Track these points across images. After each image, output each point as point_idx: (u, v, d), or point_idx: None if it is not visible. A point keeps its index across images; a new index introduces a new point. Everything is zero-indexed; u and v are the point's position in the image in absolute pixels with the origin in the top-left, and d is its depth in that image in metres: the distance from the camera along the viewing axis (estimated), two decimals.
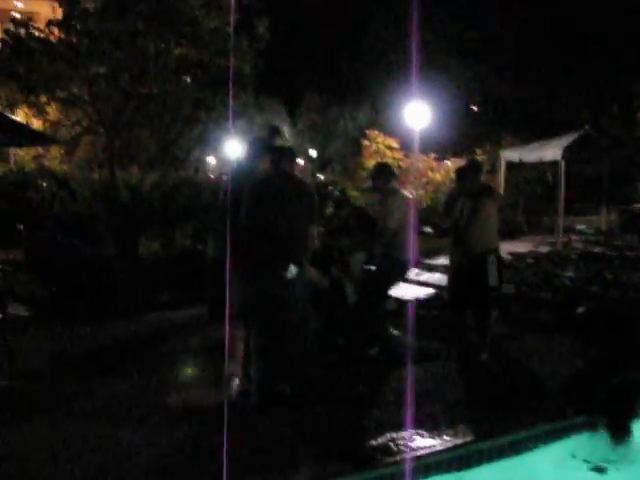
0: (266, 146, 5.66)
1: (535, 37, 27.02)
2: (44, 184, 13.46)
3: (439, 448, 4.38)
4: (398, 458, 4.20)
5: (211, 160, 32.59)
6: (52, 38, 12.31)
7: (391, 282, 6.60)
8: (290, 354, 5.20)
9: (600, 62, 25.49)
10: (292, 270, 4.97)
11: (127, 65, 11.82)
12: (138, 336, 7.52)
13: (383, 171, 6.79)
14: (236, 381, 5.23)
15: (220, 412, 4.63)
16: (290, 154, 5.65)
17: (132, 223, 10.06)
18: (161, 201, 11.14)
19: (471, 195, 6.30)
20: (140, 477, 4.05)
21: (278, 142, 5.96)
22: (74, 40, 12.11)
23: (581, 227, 15.53)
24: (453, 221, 6.43)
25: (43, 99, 12.71)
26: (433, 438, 4.51)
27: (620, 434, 4.76)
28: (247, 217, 5.02)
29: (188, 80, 12.58)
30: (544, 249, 12.37)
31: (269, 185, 5.21)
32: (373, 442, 4.47)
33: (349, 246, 6.63)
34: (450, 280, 6.67)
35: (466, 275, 6.28)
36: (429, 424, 4.70)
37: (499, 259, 6.35)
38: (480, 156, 20.42)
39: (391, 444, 4.41)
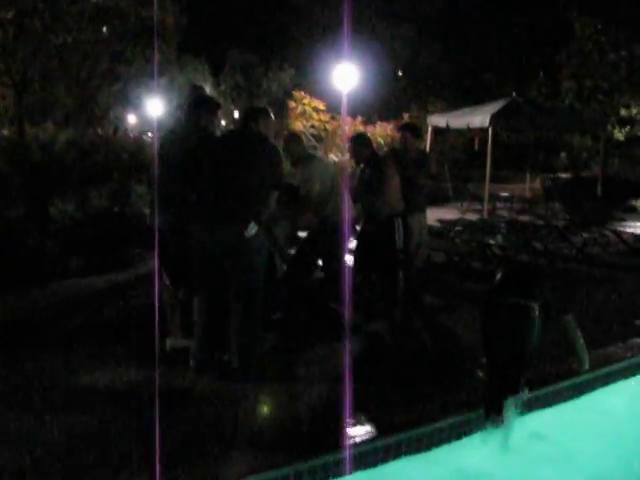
0: (205, 100, 5.55)
1: (464, 1, 26.98)
2: None
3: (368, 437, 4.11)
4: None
5: (131, 119, 31.62)
6: None
7: (334, 249, 6.29)
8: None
9: (527, 30, 25.65)
10: (252, 227, 4.71)
11: (39, 11, 10.93)
12: (46, 307, 6.91)
13: (292, 139, 6.67)
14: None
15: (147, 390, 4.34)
16: (265, 114, 5.25)
17: (43, 183, 9.38)
18: (75, 160, 10.45)
19: (368, 163, 6.27)
20: (55, 467, 3.61)
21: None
22: None
23: (505, 194, 15.58)
24: (354, 191, 6.39)
25: None
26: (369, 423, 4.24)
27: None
28: (210, 175, 4.86)
29: (104, 30, 11.78)
30: (472, 216, 12.28)
31: (237, 143, 5.00)
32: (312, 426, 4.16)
33: (272, 216, 6.27)
34: (357, 246, 6.54)
35: (372, 240, 6.21)
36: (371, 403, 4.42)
37: (405, 222, 6.25)
38: (407, 120, 20.34)
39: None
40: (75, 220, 9.18)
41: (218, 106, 5.63)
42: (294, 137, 6.93)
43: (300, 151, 6.47)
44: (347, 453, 3.81)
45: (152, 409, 4.15)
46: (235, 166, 4.80)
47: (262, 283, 4.94)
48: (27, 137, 11.49)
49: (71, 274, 8.12)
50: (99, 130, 17.83)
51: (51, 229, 8.85)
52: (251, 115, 5.18)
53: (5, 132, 12.60)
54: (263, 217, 4.89)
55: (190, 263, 4.95)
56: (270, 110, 5.41)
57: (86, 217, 9.29)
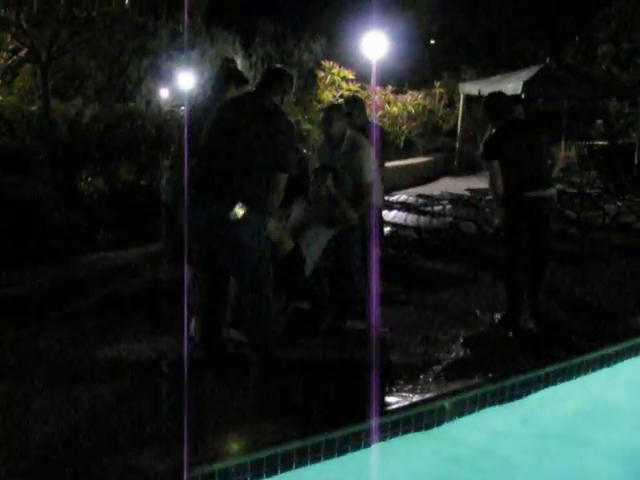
0: (233, 75, 5.10)
1: None
2: None
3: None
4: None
5: (164, 93, 31.60)
6: None
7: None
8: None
9: None
10: (237, 211, 4.14)
11: None
12: (75, 280, 6.98)
13: (339, 111, 5.46)
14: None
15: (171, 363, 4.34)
16: (289, 81, 4.53)
17: (71, 158, 9.41)
18: (102, 134, 10.46)
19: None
20: (80, 437, 3.63)
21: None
22: None
23: None
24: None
25: None
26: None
27: None
28: (203, 146, 4.42)
29: (127, 2, 11.70)
30: None
31: (240, 113, 4.37)
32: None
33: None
34: None
35: None
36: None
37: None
38: (439, 89, 20.03)
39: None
40: (103, 194, 9.20)
41: (246, 82, 5.27)
42: (354, 103, 6.07)
43: (348, 130, 5.37)
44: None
45: (174, 381, 4.16)
46: (230, 138, 4.28)
47: (267, 270, 4.40)
48: (53, 113, 11.51)
49: (99, 248, 8.19)
50: (131, 104, 17.84)
51: (79, 203, 8.89)
52: (272, 80, 4.48)
53: (33, 108, 12.64)
54: (263, 203, 4.28)
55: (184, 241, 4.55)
56: (294, 76, 4.78)
57: (114, 191, 9.29)
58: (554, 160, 6.43)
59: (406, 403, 4.08)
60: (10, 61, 14.93)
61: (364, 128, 5.78)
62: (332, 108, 5.68)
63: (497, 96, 5.83)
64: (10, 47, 14.22)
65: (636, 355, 5.16)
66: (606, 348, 5.04)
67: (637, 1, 19.70)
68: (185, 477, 3.23)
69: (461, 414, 4.21)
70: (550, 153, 6.15)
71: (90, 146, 9.91)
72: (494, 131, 5.64)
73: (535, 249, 5.64)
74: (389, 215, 8.66)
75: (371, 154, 5.34)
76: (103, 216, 8.66)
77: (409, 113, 18.55)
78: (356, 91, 16.12)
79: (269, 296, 4.42)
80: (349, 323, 5.42)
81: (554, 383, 4.66)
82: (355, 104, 6.06)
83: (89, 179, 9.40)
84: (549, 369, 4.66)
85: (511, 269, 5.58)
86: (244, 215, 4.15)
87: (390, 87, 18.69)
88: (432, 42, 29.69)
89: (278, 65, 4.93)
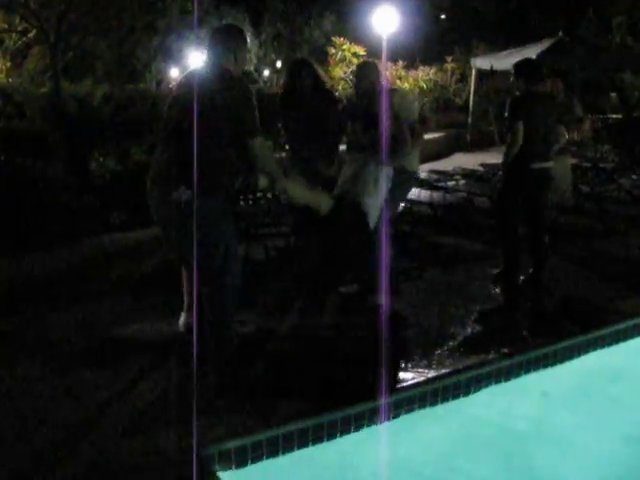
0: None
1: None
2: None
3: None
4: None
5: (174, 72, 31.51)
6: None
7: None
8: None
9: None
10: (185, 193, 3.77)
11: None
12: (88, 260, 7.00)
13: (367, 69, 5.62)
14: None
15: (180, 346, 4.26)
16: (243, 40, 4.15)
17: (82, 139, 9.39)
18: (113, 115, 10.43)
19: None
20: (88, 417, 3.65)
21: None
22: None
23: None
24: None
25: None
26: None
27: None
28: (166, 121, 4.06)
29: None
30: None
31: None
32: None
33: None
34: None
35: None
36: None
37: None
38: (450, 64, 19.87)
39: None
40: (116, 174, 9.18)
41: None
42: (357, 68, 6.04)
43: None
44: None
45: (181, 363, 4.17)
46: (189, 115, 3.73)
47: (225, 262, 3.98)
48: (64, 94, 11.48)
49: (112, 228, 8.19)
50: (142, 84, 17.81)
51: (91, 184, 8.89)
52: (217, 43, 4.05)
53: (43, 90, 12.62)
54: (217, 187, 3.93)
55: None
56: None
57: (126, 171, 9.27)
58: (558, 137, 6.59)
59: (420, 379, 4.07)
60: (20, 43, 14.94)
61: (368, 94, 5.53)
62: (365, 63, 6.09)
63: (530, 61, 6.23)
64: (19, 29, 14.21)
65: None
66: (620, 324, 5.00)
67: None
68: (209, 452, 3.25)
69: (477, 389, 4.19)
70: (556, 132, 6.29)
71: (101, 127, 9.89)
72: (519, 95, 5.75)
73: (532, 222, 5.92)
74: None
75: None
76: (116, 197, 8.65)
77: (421, 89, 18.42)
78: None
79: (227, 293, 4.03)
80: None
81: (569, 358, 4.64)
82: (358, 69, 5.96)
83: (101, 159, 9.40)
84: (563, 345, 4.64)
85: (505, 225, 5.92)
86: (186, 197, 3.78)
87: (401, 63, 18.57)
88: (443, 17, 29.42)
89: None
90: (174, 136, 3.96)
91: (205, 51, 4.24)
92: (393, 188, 5.25)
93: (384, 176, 5.09)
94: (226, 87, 3.87)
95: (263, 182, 4.31)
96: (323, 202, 4.45)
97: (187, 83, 4.01)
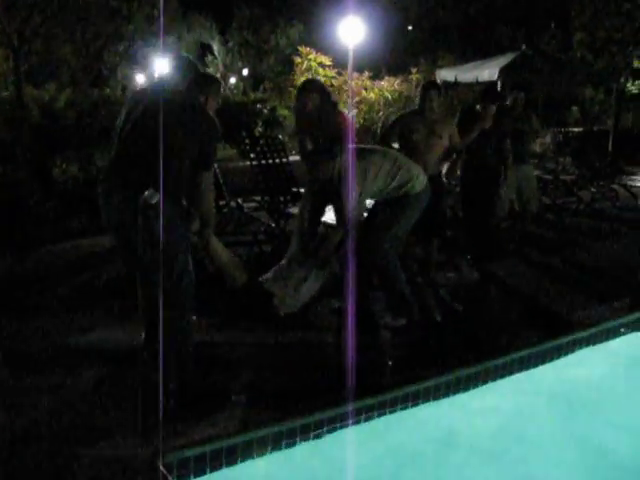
0: (192, 68, 4.36)
1: None
2: None
3: None
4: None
5: (140, 78, 31.39)
6: None
7: None
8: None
9: None
10: (151, 195, 3.68)
11: None
12: (49, 268, 6.92)
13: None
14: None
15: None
16: (216, 87, 4.47)
17: (44, 144, 9.31)
18: (76, 121, 10.35)
19: None
20: (48, 425, 3.62)
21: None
22: None
23: None
24: None
25: None
26: None
27: None
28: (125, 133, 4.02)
29: None
30: None
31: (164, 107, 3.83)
32: None
33: None
34: None
35: None
36: None
37: None
38: (415, 75, 20.02)
39: None
40: (78, 180, 9.12)
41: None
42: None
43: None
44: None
45: (148, 368, 4.13)
46: (155, 129, 3.70)
47: (190, 267, 4.02)
48: (26, 98, 11.35)
49: (74, 235, 8.12)
50: (107, 90, 17.66)
51: (54, 190, 8.82)
52: (200, 81, 4.31)
53: (5, 94, 12.45)
54: (178, 194, 3.97)
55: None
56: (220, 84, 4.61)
57: (89, 178, 9.20)
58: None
59: (392, 382, 4.11)
60: None
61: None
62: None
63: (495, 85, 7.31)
64: None
65: (607, 340, 5.22)
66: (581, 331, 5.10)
67: None
68: (169, 461, 3.24)
69: (455, 391, 4.25)
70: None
71: (64, 132, 9.81)
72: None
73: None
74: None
75: None
76: (78, 203, 8.58)
77: (386, 99, 18.53)
78: (333, 77, 16.09)
79: (187, 294, 4.03)
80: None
81: (550, 360, 4.73)
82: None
83: (64, 166, 9.33)
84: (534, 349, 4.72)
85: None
86: (154, 199, 3.69)
87: (367, 73, 18.65)
88: (409, 28, 29.69)
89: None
90: (133, 143, 3.96)
91: (175, 67, 4.26)
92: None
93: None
94: (197, 119, 3.98)
95: (195, 224, 4.24)
96: (237, 274, 4.49)
97: (155, 99, 3.93)
